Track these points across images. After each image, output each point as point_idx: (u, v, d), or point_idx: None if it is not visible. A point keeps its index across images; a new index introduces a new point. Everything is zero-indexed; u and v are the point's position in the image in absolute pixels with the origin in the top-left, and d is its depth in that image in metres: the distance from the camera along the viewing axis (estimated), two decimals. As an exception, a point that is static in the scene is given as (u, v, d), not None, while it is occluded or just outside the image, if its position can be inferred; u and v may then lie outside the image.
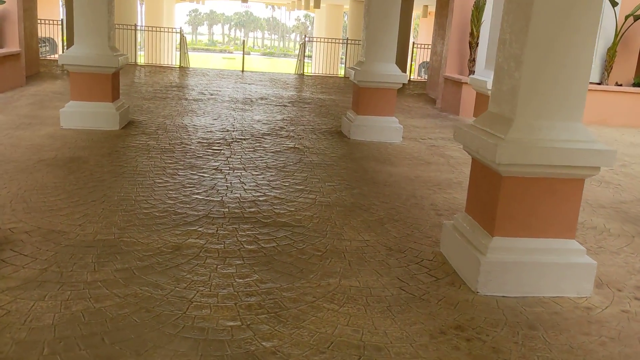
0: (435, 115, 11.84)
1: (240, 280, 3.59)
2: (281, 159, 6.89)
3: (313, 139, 8.30)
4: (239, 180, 5.84)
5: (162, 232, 4.31)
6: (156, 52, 19.95)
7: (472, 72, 11.84)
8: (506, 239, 3.67)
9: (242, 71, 18.42)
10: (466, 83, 11.32)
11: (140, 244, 4.06)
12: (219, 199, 5.17)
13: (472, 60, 11.72)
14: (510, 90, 3.62)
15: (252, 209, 4.97)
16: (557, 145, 3.48)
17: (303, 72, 18.58)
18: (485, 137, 3.65)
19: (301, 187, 5.77)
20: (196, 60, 54.15)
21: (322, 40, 19.32)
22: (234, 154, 6.98)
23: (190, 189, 5.44)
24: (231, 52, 77.66)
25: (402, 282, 3.72)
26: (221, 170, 6.21)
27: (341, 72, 22.04)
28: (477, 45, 11.69)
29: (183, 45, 18.47)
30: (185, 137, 7.81)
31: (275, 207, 5.08)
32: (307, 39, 18.64)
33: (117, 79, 8.44)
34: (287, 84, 15.89)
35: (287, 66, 63.43)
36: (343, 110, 11.34)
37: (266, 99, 12.29)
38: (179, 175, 5.90)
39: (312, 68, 18.54)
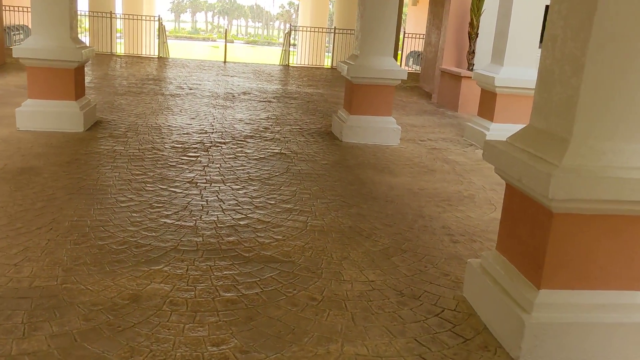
0: (432, 111, 11.03)
1: (214, 350, 2.75)
2: (266, 168, 6.04)
3: (301, 142, 7.45)
4: (216, 198, 4.99)
5: (118, 274, 3.45)
6: (134, 42, 18.93)
7: (471, 65, 11.03)
8: (557, 292, 2.86)
9: (225, 62, 17.47)
10: (466, 77, 10.51)
11: (88, 292, 3.21)
12: (191, 224, 4.32)
13: (472, 53, 10.91)
14: (565, 102, 2.79)
15: (231, 238, 4.12)
16: (629, 175, 2.66)
17: (288, 63, 17.66)
18: (532, 162, 2.81)
19: (289, 205, 4.93)
20: (178, 50, 52.88)
21: (309, 29, 18.40)
22: (212, 162, 6.12)
23: (158, 209, 4.58)
24: (214, 40, 76.31)
25: (421, 347, 2.91)
26: (196, 183, 5.35)
27: (327, 63, 21.17)
28: (477, 36, 10.88)
29: (162, 35, 17.46)
30: (157, 140, 6.93)
31: (258, 234, 4.24)
32: (292, 27, 17.70)
33: (82, 74, 7.52)
34: (272, 76, 14.99)
35: (271, 55, 62.26)
36: (332, 106, 10.49)
37: (249, 93, 11.40)
38: (146, 190, 5.04)
39: (297, 58, 17.62)
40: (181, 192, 5.05)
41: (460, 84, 10.60)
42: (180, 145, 6.74)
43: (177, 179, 5.44)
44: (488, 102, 7.87)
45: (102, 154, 6.16)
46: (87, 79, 11.77)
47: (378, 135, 7.61)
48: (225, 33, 17.79)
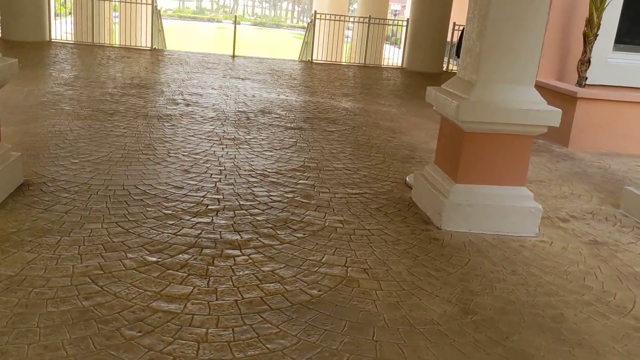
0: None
1: None
2: (316, 330, 2.84)
3: (371, 234, 4.26)
4: None
5: None
6: (128, 30, 15.62)
7: (583, 78, 7.76)
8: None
9: (233, 57, 14.16)
10: (586, 99, 7.25)
11: None
12: None
13: (586, 62, 7.62)
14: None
15: None
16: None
17: (311, 58, 14.35)
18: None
19: None
20: (180, 34, 49.44)
21: (335, 18, 15.05)
22: (212, 320, 2.92)
23: None
24: (220, 22, 72.87)
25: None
26: None
27: (345, 58, 17.87)
28: (596, 39, 7.58)
29: (156, 21, 14.14)
30: (119, 240, 3.73)
31: None
32: (316, 16, 14.36)
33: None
34: (294, 79, 11.71)
35: (281, 41, 58.73)
36: (391, 138, 7.29)
37: (270, 112, 8.16)
38: None
39: (317, 53, 14.32)
40: None
41: (575, 108, 7.33)
42: (157, 260, 3.53)
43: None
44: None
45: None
46: (47, 86, 8.53)
47: (504, 219, 4.41)
48: (235, 21, 14.41)
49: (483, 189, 4.38)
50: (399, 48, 16.72)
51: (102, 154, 5.52)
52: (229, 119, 7.48)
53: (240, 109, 8.15)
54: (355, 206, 4.73)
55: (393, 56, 17.58)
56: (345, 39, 20.20)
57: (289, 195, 4.85)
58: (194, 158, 5.67)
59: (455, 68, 15.37)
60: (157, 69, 11.35)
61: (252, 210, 4.44)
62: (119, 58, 12.19)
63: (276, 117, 7.84)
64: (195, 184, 4.92)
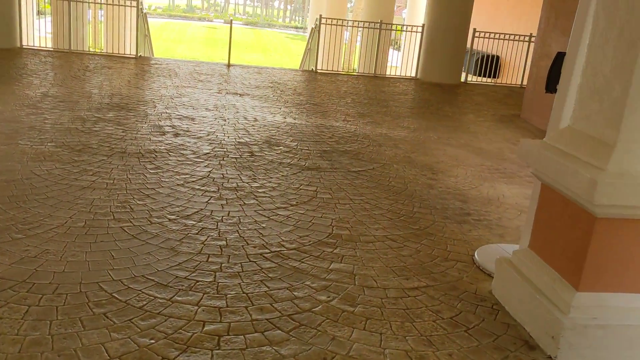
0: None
1: None
2: None
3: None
4: None
5: None
6: (110, 36, 14.07)
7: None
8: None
9: (228, 66, 12.62)
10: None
11: None
12: None
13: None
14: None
15: None
16: None
17: (315, 68, 12.84)
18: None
19: None
20: (169, 33, 47.77)
21: (342, 23, 13.53)
22: None
23: None
24: (211, 20, 71.28)
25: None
26: None
27: (353, 66, 16.33)
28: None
29: (142, 26, 12.58)
30: None
31: None
32: (322, 20, 12.84)
33: None
34: (299, 94, 10.20)
35: (275, 42, 57.10)
36: (429, 178, 5.81)
37: (277, 143, 6.65)
38: None
39: (319, 61, 12.81)
40: None
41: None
42: None
43: None
44: None
45: None
46: (5, 109, 6.99)
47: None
48: (230, 26, 12.86)
49: (622, 300, 2.90)
50: (399, 51, 15.29)
51: (58, 222, 3.99)
52: (228, 156, 5.95)
53: (241, 140, 6.63)
54: (420, 317, 3.22)
55: (395, 60, 16.02)
56: (344, 43, 18.67)
57: (321, 297, 3.33)
58: (184, 225, 4.15)
59: (474, 79, 13.92)
60: (142, 82, 9.80)
61: (272, 335, 2.92)
62: (99, 69, 10.63)
63: (286, 152, 6.33)
64: (186, 277, 3.41)
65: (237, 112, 8.12)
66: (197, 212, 4.42)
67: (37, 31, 13.59)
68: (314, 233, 4.24)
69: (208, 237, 4.00)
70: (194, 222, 4.22)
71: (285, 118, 8.08)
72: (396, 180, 5.72)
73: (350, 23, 13.11)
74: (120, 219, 4.15)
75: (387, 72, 13.53)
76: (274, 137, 6.95)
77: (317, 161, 6.11)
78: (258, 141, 6.67)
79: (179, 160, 5.64)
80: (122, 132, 6.51)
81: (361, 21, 12.85)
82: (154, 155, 5.73)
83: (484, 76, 14.78)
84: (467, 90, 12.33)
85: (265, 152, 6.23)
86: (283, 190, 5.10)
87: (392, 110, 9.50)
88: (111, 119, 7.03)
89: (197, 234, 4.04)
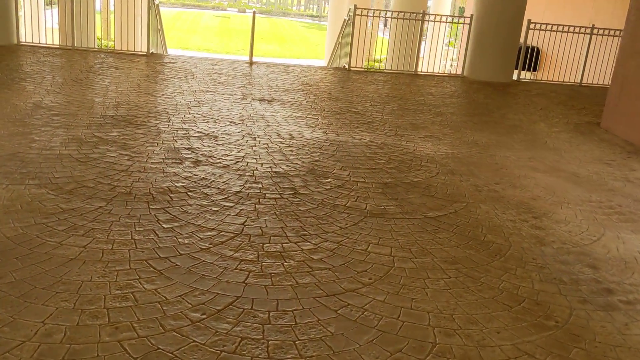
0: None
1: None
2: None
3: None
4: None
5: None
6: (118, 31, 12.64)
7: None
8: None
9: (250, 64, 11.15)
10: None
11: None
12: None
13: None
14: None
15: None
16: None
17: (349, 65, 11.34)
18: None
19: None
20: (182, 23, 46.37)
21: (381, 14, 11.98)
22: None
23: None
24: (224, 10, 69.87)
25: None
26: None
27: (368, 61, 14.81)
28: None
29: (153, 19, 11.14)
30: None
31: None
32: (357, 12, 11.29)
33: None
34: (336, 98, 8.75)
35: (291, 32, 55.52)
36: (532, 226, 4.40)
37: (324, 173, 5.22)
38: None
39: (354, 58, 11.29)
40: None
41: None
42: None
43: None
44: None
45: None
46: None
47: None
48: (254, 17, 11.37)
49: None
50: (424, 41, 13.75)
51: (22, 335, 2.57)
52: (264, 195, 4.52)
53: (278, 168, 5.19)
54: None
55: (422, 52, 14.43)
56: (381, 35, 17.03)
57: None
58: (215, 333, 2.72)
59: (528, 76, 12.35)
60: (154, 86, 8.37)
61: None
62: (105, 69, 9.22)
63: (338, 186, 4.88)
64: None
65: (268, 126, 6.68)
66: (232, 305, 2.99)
67: (44, 23, 12.20)
68: (408, 347, 2.79)
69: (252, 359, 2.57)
70: (229, 327, 2.79)
71: (326, 133, 6.63)
72: (492, 232, 4.25)
73: (389, 14, 11.50)
74: (118, 326, 2.72)
75: (424, 68, 11.98)
76: (318, 162, 5.50)
77: (380, 201, 4.65)
78: (299, 170, 5.23)
79: (201, 206, 4.21)
80: (128, 159, 5.10)
81: (402, 11, 11.28)
82: (168, 198, 4.30)
83: (522, 70, 13.17)
84: (522, 91, 10.79)
85: (312, 189, 4.79)
86: (346, 256, 3.65)
87: (448, 118, 8.01)
88: (115, 140, 5.61)
89: (233, 352, 2.61)
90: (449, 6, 29.97)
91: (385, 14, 11.67)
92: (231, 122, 6.75)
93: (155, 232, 3.74)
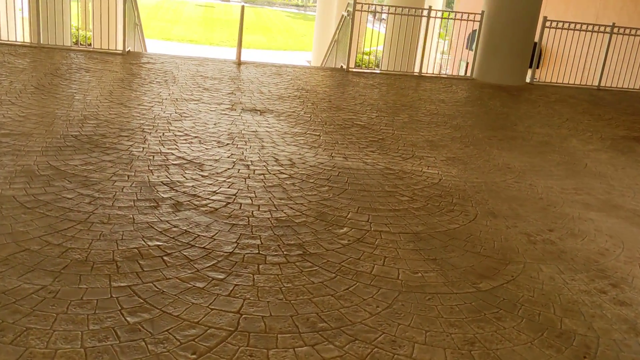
0: None
1: None
2: None
3: None
4: None
5: None
6: (90, 25, 11.43)
7: None
8: None
9: (239, 64, 10.01)
10: None
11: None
12: None
13: None
14: None
15: None
16: None
17: (347, 66, 10.25)
18: None
19: None
20: (164, 13, 44.83)
21: (389, 10, 10.86)
22: None
23: None
24: (209, -1, 68.31)
25: None
26: None
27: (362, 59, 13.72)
28: None
29: (131, 12, 9.95)
30: None
31: None
32: (357, 7, 10.17)
33: None
34: (338, 108, 7.67)
35: (276, 22, 54.25)
36: (612, 306, 3.30)
37: (338, 219, 4.17)
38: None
39: (348, 57, 10.22)
40: None
41: None
42: None
43: None
44: None
45: None
46: None
47: None
48: (242, 12, 10.22)
49: None
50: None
51: None
52: (265, 260, 3.43)
53: (279, 214, 4.11)
54: None
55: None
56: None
57: None
58: None
59: (539, 79, 11.34)
60: (129, 94, 7.22)
61: None
62: (73, 72, 8.04)
63: (357, 240, 3.80)
64: None
65: (263, 148, 5.59)
66: None
67: (14, 16, 10.94)
68: None
69: None
70: None
71: (332, 156, 5.55)
72: (568, 314, 3.20)
73: (392, 10, 10.39)
74: None
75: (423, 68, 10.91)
76: (327, 202, 4.42)
77: (415, 263, 3.58)
78: (306, 215, 4.15)
79: (181, 281, 3.12)
80: (90, 202, 3.98)
81: (406, 7, 10.18)
82: (137, 268, 3.20)
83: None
84: (538, 96, 9.78)
85: (324, 245, 3.71)
86: (386, 368, 2.58)
87: (469, 133, 6.97)
88: (75, 172, 4.49)
89: None
90: (441, 0, 28.92)
91: (389, 9, 10.53)
92: (219, 142, 5.65)
93: (116, 334, 2.64)
